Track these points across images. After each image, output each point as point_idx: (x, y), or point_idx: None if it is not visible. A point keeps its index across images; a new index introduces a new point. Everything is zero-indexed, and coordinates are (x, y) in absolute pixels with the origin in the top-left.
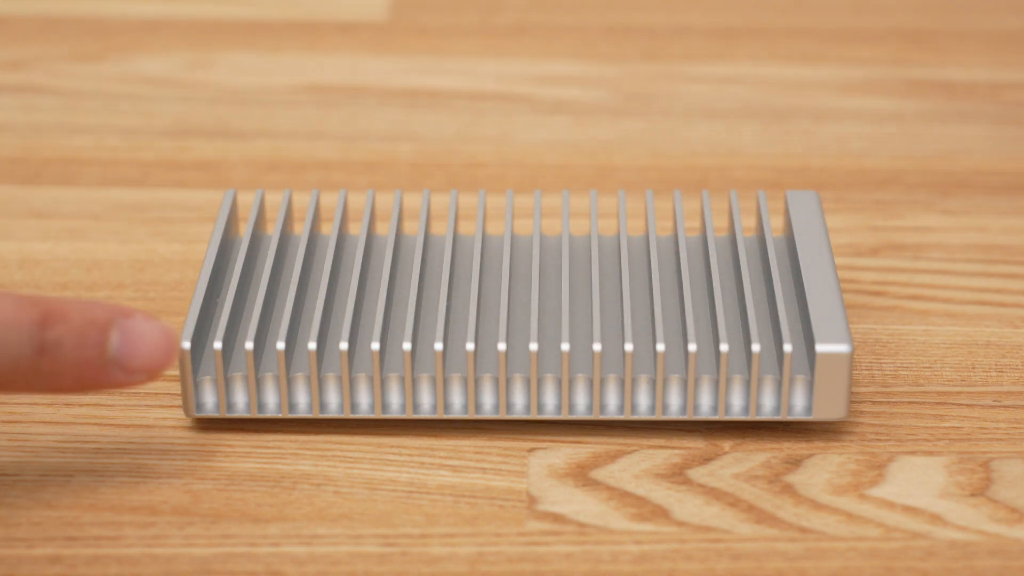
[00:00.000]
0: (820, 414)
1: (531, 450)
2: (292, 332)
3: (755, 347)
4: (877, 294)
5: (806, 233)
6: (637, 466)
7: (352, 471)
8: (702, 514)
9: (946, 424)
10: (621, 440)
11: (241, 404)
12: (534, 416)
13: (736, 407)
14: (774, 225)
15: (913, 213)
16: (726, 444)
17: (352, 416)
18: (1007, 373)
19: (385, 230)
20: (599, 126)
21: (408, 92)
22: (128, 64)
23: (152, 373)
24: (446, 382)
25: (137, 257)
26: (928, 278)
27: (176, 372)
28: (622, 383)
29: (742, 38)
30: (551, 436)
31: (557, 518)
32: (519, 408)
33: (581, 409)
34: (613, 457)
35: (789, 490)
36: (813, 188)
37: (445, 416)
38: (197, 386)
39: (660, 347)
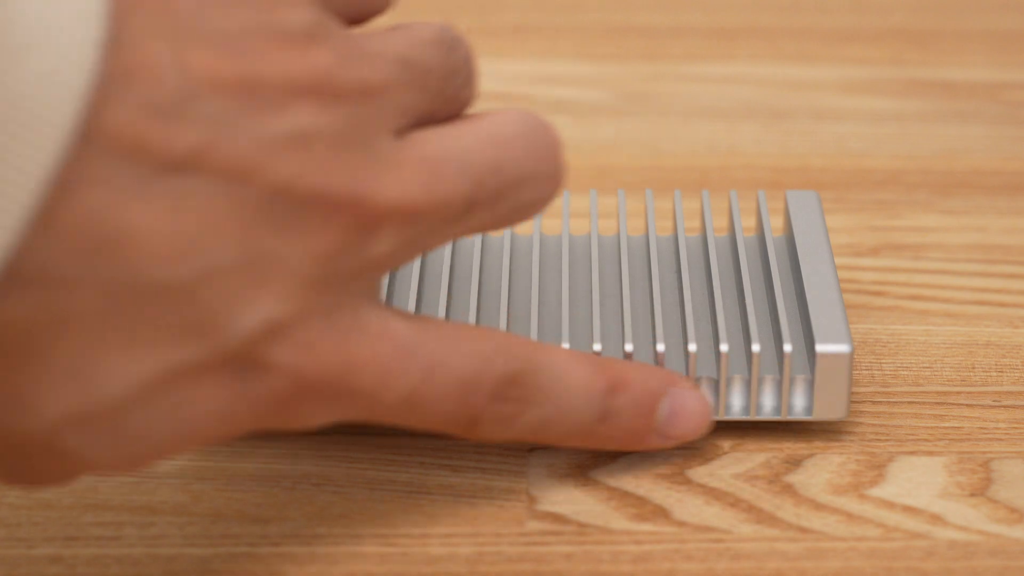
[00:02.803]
0: (820, 414)
1: (531, 450)
2: None
3: (755, 347)
4: (877, 294)
5: (806, 233)
6: (637, 466)
7: (352, 471)
8: (702, 514)
9: (946, 424)
10: None
11: None
12: None
13: (736, 407)
14: (774, 225)
15: (913, 213)
16: (726, 444)
17: None
18: (1007, 373)
19: None
20: (599, 126)
21: None
22: None
23: (685, 441)
24: None
25: None
26: (928, 278)
27: None
28: None
29: (742, 38)
30: None
31: (557, 518)
32: None
33: None
34: (613, 457)
35: (789, 490)
36: (813, 188)
37: None
38: None
39: (660, 347)
